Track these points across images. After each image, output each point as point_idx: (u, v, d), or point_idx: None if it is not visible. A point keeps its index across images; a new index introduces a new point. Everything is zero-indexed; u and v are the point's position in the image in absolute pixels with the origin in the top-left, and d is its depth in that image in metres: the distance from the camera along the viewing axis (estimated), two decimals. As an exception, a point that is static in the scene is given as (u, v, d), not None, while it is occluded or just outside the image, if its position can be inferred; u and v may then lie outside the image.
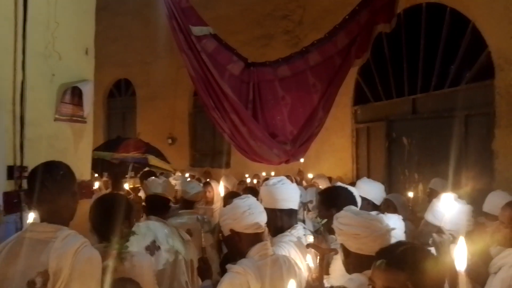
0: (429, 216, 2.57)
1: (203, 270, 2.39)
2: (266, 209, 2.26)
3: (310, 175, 6.81)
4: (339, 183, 3.34)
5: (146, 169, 6.56)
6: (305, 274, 2.21)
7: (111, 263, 1.93)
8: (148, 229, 2.93)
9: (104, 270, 1.85)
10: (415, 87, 5.91)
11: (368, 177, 5.59)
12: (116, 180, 5.63)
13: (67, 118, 4.26)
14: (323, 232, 2.56)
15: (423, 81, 5.78)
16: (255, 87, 5.36)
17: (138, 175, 6.29)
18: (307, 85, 5.36)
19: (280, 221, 2.47)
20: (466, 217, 2.38)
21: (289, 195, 2.52)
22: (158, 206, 3.17)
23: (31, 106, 3.69)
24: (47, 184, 1.82)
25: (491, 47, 4.62)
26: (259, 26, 8.40)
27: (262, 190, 2.64)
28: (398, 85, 6.24)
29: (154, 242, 2.89)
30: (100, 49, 5.76)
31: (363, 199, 3.05)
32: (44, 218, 1.83)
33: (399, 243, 1.52)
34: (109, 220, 2.13)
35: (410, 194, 4.68)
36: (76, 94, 4.29)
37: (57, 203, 1.84)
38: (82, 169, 4.45)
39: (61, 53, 4.08)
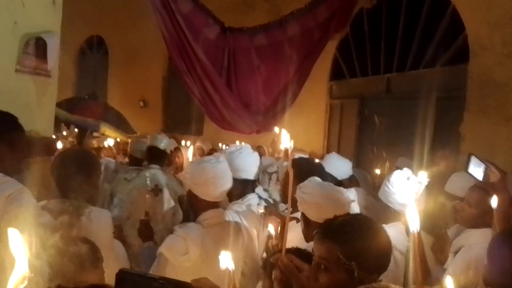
0: (381, 194, 2.58)
1: (144, 232, 2.36)
2: None
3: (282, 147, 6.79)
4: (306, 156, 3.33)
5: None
6: (257, 242, 2.21)
7: (66, 218, 1.87)
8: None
9: (58, 226, 1.79)
10: (391, 66, 5.91)
11: (338, 153, 5.63)
12: (82, 138, 5.49)
13: (29, 70, 4.05)
14: (276, 202, 2.56)
15: (399, 60, 5.77)
16: (230, 54, 5.23)
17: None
18: (283, 56, 5.27)
19: (234, 189, 2.44)
20: (417, 195, 2.36)
21: (245, 165, 2.52)
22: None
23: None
24: None
25: (468, 31, 4.63)
26: (239, -8, 8.14)
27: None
28: (375, 63, 6.22)
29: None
30: (72, 3, 5.46)
31: (328, 174, 3.05)
32: None
33: (339, 216, 1.46)
34: (70, 176, 2.04)
35: (377, 171, 4.74)
36: (40, 45, 4.06)
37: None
38: (44, 125, 4.27)
39: (25, 0, 3.82)
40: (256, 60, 5.29)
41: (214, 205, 2.09)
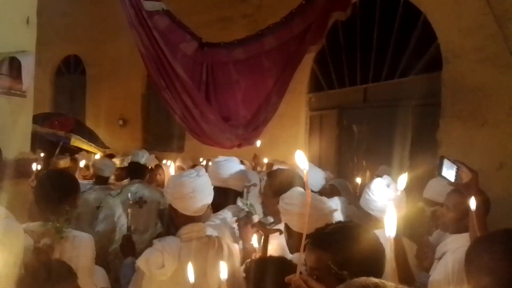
0: (362, 202, 2.60)
1: (126, 247, 2.34)
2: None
3: (265, 160, 6.81)
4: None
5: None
6: (238, 257, 2.20)
7: (48, 241, 1.83)
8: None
9: (39, 249, 1.80)
10: (367, 76, 6.02)
11: (319, 164, 5.67)
12: (48, 159, 5.44)
13: (3, 91, 3.99)
14: (249, 214, 2.56)
15: (375, 70, 5.89)
16: (208, 69, 5.24)
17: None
18: (261, 69, 5.30)
19: (216, 200, 2.43)
20: (396, 202, 2.38)
21: (231, 174, 2.56)
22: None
23: (-39, 76, 3.40)
24: None
25: (440, 39, 4.76)
26: (216, 8, 8.21)
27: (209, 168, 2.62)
28: (351, 74, 6.33)
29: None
30: (48, 23, 5.40)
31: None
32: None
33: (330, 224, 1.48)
34: (51, 198, 2.06)
35: (358, 180, 4.78)
36: (14, 66, 4.00)
37: None
38: (20, 146, 4.19)
39: (-2, 20, 3.78)
40: (234, 74, 5.31)
41: (194, 219, 2.07)
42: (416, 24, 5.20)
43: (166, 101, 5.25)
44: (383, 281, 0.91)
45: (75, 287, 1.55)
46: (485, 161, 3.90)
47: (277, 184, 2.57)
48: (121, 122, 10.05)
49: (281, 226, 2.25)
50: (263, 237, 2.32)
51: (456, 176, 1.98)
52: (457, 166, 1.98)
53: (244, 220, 2.44)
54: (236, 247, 2.19)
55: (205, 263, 2.00)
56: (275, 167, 5.70)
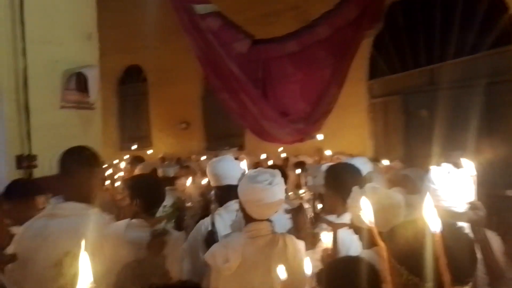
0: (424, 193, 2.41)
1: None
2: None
3: (328, 153, 6.66)
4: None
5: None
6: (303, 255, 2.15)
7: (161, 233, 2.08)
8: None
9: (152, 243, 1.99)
10: (433, 56, 5.64)
11: (386, 153, 5.42)
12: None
13: (73, 105, 4.21)
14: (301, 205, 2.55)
15: (441, 49, 5.49)
16: (263, 65, 5.20)
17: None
18: (317, 59, 5.16)
19: (218, 196, 2.57)
20: (462, 190, 2.15)
21: (227, 172, 2.59)
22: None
23: (35, 94, 3.64)
24: (75, 168, 1.96)
25: (513, 9, 4.33)
26: (262, 4, 8.12)
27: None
28: (414, 55, 5.97)
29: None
30: (107, 35, 5.64)
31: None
32: (70, 198, 1.93)
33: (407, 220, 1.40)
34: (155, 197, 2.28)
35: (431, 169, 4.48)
36: (81, 80, 4.22)
37: (82, 184, 1.96)
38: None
39: (63, 38, 4.00)
40: (290, 67, 5.22)
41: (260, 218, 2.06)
42: (484, -4, 4.78)
43: (224, 101, 5.29)
44: None
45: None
46: None
47: (335, 178, 2.49)
48: (183, 125, 10.34)
49: (344, 221, 2.17)
50: (332, 233, 2.23)
51: None
52: None
53: (296, 210, 2.39)
54: (302, 245, 2.13)
55: (269, 261, 1.95)
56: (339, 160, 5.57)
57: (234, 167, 2.66)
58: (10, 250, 1.78)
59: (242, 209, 2.11)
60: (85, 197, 1.94)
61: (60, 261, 1.74)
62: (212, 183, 2.66)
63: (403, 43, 6.13)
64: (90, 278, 0.70)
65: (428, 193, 2.03)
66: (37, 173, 3.64)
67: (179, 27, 5.50)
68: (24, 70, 3.51)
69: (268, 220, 2.12)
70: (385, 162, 4.96)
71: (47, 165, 3.56)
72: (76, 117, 4.22)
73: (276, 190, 2.05)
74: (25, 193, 2.35)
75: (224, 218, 2.47)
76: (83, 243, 1.67)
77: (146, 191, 2.26)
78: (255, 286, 1.96)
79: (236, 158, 5.32)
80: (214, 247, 2.05)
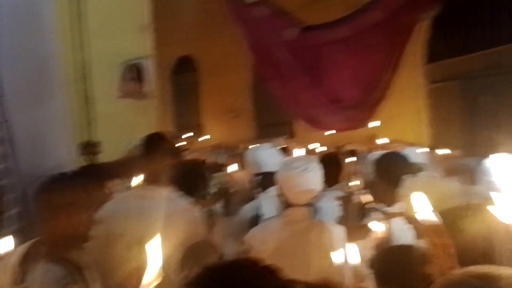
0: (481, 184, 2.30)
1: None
2: None
3: (383, 141, 6.46)
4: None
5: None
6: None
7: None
8: None
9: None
10: (497, 38, 5.26)
11: (445, 141, 5.18)
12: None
13: (130, 95, 4.38)
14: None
15: (508, 29, 5.11)
16: (313, 52, 5.10)
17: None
18: (370, 44, 4.98)
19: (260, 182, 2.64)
20: None
21: (265, 159, 2.68)
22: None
23: (96, 85, 3.82)
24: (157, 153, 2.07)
25: None
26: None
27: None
28: (476, 37, 5.60)
29: None
30: (161, 26, 5.80)
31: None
32: (152, 181, 2.04)
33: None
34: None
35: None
36: (137, 71, 4.37)
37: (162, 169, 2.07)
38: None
39: (120, 32, 4.15)
40: (341, 53, 5.09)
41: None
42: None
43: (274, 90, 5.27)
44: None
45: None
46: None
47: (385, 167, 2.43)
48: (233, 114, 10.45)
49: (395, 210, 2.12)
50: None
51: None
52: None
53: (346, 198, 2.36)
54: (342, 232, 2.11)
55: (305, 246, 1.99)
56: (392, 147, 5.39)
57: (272, 154, 2.73)
58: (94, 230, 1.88)
59: (279, 195, 2.14)
60: (164, 181, 2.05)
61: (141, 242, 1.81)
62: (253, 170, 2.76)
63: (464, 24, 5.76)
64: (159, 265, 0.73)
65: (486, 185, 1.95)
66: (101, 159, 3.84)
67: (229, 17, 5.52)
68: (85, 62, 3.68)
69: (307, 205, 2.12)
70: (444, 151, 4.74)
71: (108, 151, 3.75)
72: (133, 107, 4.39)
73: (311, 176, 2.06)
74: (99, 176, 2.47)
75: (266, 203, 2.54)
76: (159, 226, 1.78)
77: (182, 178, 2.32)
78: (291, 271, 1.98)
79: (284, 147, 5.34)
80: (253, 230, 2.11)
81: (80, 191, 1.56)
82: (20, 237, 2.05)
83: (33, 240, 1.52)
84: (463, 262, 1.13)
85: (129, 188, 2.23)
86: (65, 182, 1.64)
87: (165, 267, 0.70)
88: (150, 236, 1.76)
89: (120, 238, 1.86)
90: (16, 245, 1.82)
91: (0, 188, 2.30)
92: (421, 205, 1.03)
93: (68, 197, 1.54)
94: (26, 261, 1.42)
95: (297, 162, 2.12)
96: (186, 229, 1.95)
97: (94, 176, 2.41)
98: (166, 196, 2.03)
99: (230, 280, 0.93)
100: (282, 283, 0.96)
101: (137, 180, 2.27)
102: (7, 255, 1.64)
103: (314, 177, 2.08)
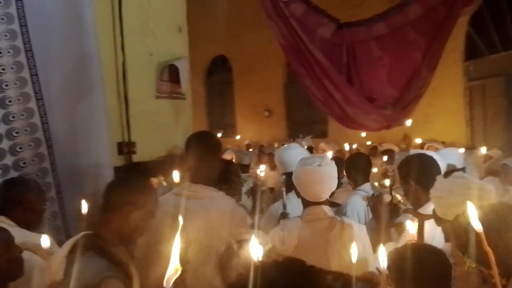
0: None
1: None
2: None
3: (418, 140, 6.31)
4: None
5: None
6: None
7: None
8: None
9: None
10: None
11: (485, 141, 5.02)
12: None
13: (166, 95, 4.47)
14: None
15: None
16: (348, 50, 5.05)
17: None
18: (407, 41, 4.88)
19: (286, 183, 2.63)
20: None
21: (291, 159, 2.66)
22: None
23: (133, 85, 3.92)
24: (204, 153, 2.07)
25: None
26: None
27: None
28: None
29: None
30: (194, 27, 5.89)
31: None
32: (198, 181, 2.05)
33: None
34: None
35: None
36: (173, 71, 4.46)
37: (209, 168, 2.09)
38: (183, 143, 4.66)
39: (156, 32, 4.24)
40: (377, 51, 5.00)
41: (313, 203, 2.10)
42: None
43: (307, 88, 5.26)
44: None
45: None
46: None
47: (416, 168, 2.40)
48: (266, 113, 10.48)
49: (427, 211, 2.08)
50: (417, 224, 2.18)
51: None
52: None
53: (376, 198, 2.33)
54: (363, 231, 2.10)
55: (326, 244, 2.02)
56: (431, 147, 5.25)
57: (300, 154, 2.72)
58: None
59: (297, 193, 2.18)
60: (211, 180, 2.08)
61: (188, 242, 1.86)
62: (280, 170, 2.80)
63: (505, 19, 5.54)
64: (177, 261, 0.74)
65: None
66: (136, 158, 3.95)
67: (262, 16, 5.55)
68: (123, 63, 3.79)
69: (326, 203, 2.12)
70: (483, 150, 4.58)
71: (145, 151, 3.85)
72: (169, 106, 4.47)
73: (326, 171, 2.08)
74: (144, 175, 2.53)
75: (293, 202, 2.57)
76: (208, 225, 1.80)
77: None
78: None
79: (310, 147, 5.29)
80: (273, 230, 2.14)
81: (138, 190, 1.63)
82: (55, 236, 2.14)
83: (83, 233, 1.59)
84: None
85: (171, 187, 2.24)
86: (128, 181, 1.70)
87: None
88: (199, 235, 1.82)
89: (170, 236, 1.89)
90: (52, 244, 1.91)
91: (41, 187, 2.38)
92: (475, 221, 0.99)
93: (131, 196, 1.61)
94: (73, 252, 1.50)
95: (313, 158, 2.17)
96: (232, 229, 1.98)
97: (142, 175, 2.49)
98: (212, 196, 2.05)
99: (278, 281, 0.94)
100: (328, 282, 0.98)
101: (180, 178, 2.30)
102: (59, 249, 1.73)
103: (329, 172, 2.09)
